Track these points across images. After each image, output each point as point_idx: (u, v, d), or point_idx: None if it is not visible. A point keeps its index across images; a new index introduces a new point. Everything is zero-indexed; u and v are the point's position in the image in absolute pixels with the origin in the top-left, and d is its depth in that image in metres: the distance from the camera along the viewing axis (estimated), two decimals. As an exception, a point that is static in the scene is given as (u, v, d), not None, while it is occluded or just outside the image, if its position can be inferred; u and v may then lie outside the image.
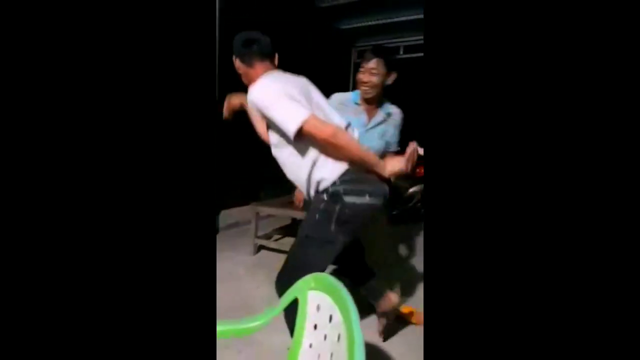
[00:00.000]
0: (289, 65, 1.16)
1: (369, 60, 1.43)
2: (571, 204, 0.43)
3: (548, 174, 0.44)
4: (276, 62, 1.16)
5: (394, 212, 3.06)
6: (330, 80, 4.71)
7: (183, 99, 0.48)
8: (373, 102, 1.54)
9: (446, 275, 0.48)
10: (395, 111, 1.60)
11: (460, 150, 0.48)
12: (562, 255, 0.43)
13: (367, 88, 1.47)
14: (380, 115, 1.57)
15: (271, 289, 1.10)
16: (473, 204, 0.47)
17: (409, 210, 3.60)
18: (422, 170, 3.86)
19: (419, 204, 3.60)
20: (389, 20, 3.60)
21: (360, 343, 0.49)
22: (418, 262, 2.47)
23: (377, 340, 1.48)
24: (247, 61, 1.11)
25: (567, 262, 0.43)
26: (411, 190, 3.63)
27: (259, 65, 1.11)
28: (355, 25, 3.69)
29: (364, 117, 1.56)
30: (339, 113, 1.19)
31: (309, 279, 0.74)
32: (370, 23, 3.64)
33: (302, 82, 1.12)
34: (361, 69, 1.47)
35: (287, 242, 2.53)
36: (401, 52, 4.40)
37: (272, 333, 1.05)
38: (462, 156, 0.48)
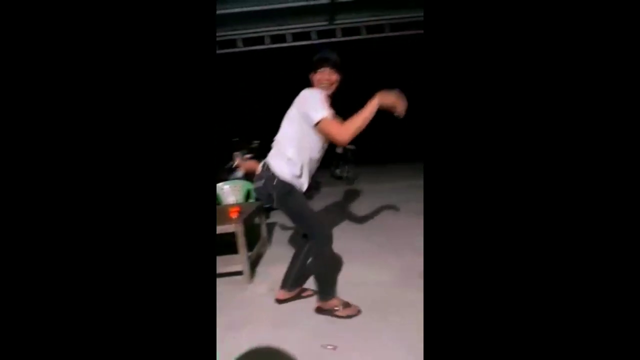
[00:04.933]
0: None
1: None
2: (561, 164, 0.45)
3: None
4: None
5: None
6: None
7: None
8: None
9: (446, 271, 0.48)
10: None
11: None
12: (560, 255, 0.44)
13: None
14: None
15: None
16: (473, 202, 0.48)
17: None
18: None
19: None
20: (265, 7, 3.60)
21: None
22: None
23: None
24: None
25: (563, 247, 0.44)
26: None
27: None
28: (232, 11, 3.50)
29: None
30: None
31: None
32: (244, 9, 3.53)
33: None
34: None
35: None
36: (267, 42, 4.46)
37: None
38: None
